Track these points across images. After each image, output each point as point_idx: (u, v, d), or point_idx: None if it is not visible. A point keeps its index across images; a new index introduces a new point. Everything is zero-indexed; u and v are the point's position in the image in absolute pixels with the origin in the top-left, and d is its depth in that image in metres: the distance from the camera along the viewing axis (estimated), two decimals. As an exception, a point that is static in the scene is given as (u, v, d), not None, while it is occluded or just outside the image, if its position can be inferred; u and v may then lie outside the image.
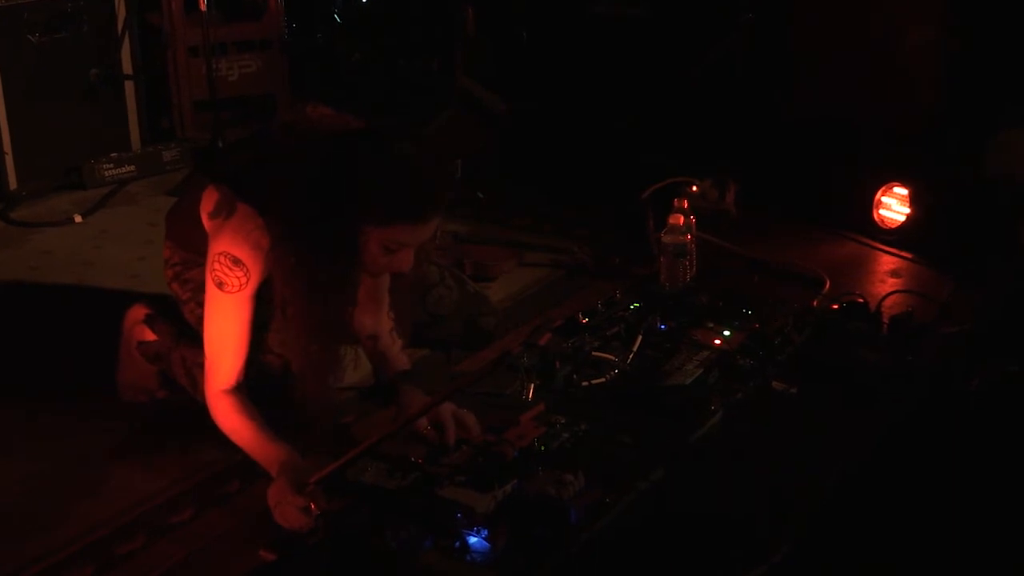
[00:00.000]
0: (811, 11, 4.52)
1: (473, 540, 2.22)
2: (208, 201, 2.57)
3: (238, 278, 2.50)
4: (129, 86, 4.96)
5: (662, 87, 4.70)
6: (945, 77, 4.18)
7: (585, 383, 2.89)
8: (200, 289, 2.66)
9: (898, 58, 4.27)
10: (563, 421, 2.68)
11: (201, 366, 2.63)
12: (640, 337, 3.03)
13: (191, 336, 2.81)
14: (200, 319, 2.65)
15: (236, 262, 2.49)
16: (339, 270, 2.47)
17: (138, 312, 3.00)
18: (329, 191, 2.39)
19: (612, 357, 2.95)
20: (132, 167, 4.85)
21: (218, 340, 2.57)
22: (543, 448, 2.57)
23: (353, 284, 2.56)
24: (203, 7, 4.85)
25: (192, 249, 2.73)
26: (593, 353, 2.97)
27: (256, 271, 2.51)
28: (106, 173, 4.78)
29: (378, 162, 2.39)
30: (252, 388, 2.61)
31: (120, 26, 4.86)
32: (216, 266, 2.51)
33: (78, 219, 4.45)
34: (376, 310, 2.81)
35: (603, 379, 2.90)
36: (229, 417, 2.56)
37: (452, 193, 2.52)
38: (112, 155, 4.82)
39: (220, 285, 2.52)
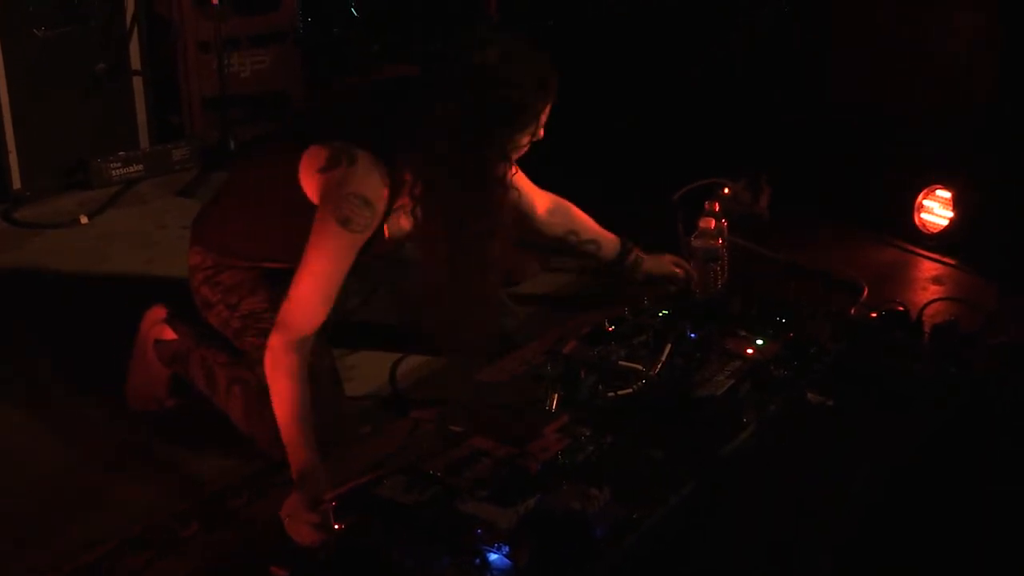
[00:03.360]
0: (850, 1, 4.44)
1: (494, 557, 2.16)
2: (315, 159, 2.55)
3: (366, 218, 2.50)
4: (137, 82, 4.87)
5: (683, 83, 4.68)
6: (991, 72, 4.07)
7: (611, 393, 2.80)
8: (230, 290, 2.67)
9: (940, 52, 4.16)
10: (588, 433, 2.61)
11: (223, 364, 2.61)
12: (669, 346, 2.94)
13: (212, 337, 2.80)
14: (227, 321, 2.66)
15: (366, 203, 2.50)
16: (488, 201, 2.56)
17: (158, 312, 2.99)
18: (465, 128, 2.47)
19: (640, 367, 2.87)
20: (140, 166, 4.77)
21: (316, 278, 2.50)
22: (567, 461, 2.50)
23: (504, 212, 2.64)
24: (214, -1, 4.76)
25: (229, 253, 2.74)
26: (620, 362, 2.90)
27: (378, 217, 2.53)
28: (113, 172, 4.69)
29: (487, 80, 2.47)
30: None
31: (128, 19, 4.77)
32: (344, 205, 2.49)
33: (84, 220, 4.35)
34: (559, 211, 3.25)
35: (630, 389, 2.82)
36: (283, 380, 2.44)
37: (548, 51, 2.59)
38: (120, 153, 4.73)
39: (345, 222, 2.49)
